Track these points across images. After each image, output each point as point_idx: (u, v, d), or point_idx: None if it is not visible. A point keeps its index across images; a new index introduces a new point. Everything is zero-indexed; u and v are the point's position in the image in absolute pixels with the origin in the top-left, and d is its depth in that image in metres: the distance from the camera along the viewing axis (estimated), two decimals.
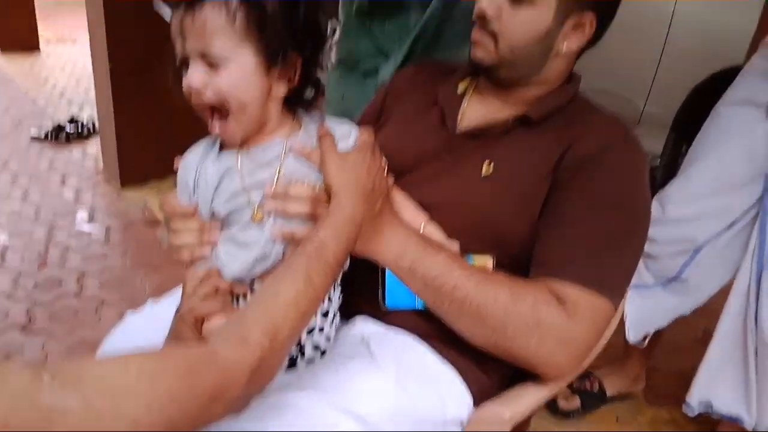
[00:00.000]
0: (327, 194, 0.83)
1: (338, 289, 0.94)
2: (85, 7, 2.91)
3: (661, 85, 2.93)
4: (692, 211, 1.58)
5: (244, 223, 0.84)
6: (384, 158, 0.91)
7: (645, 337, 1.72)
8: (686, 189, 1.61)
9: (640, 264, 1.68)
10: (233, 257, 0.85)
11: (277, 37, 0.78)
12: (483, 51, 0.97)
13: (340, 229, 0.79)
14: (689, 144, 3.17)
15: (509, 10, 0.94)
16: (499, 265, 0.92)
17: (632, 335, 1.69)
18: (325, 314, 0.91)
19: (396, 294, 0.92)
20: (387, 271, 0.91)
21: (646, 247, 1.63)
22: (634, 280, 1.66)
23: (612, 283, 0.88)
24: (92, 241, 2.54)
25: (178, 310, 0.86)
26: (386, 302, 0.92)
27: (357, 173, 0.83)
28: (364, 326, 0.95)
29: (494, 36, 0.95)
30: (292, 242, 0.83)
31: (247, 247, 0.84)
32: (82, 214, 2.74)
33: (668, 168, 3.11)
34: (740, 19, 2.72)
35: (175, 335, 0.84)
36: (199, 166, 0.86)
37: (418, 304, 0.91)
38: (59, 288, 2.22)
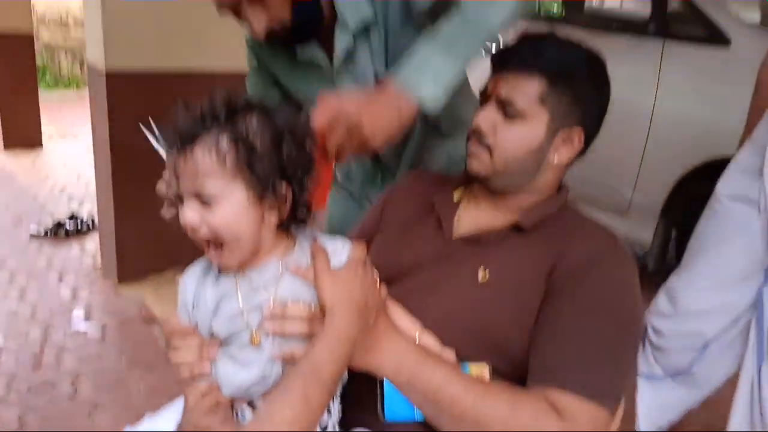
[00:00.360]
0: (321, 311, 0.85)
1: (337, 401, 0.94)
2: (86, 103, 3.03)
3: (647, 174, 3.02)
4: (700, 306, 1.59)
5: (242, 343, 0.86)
6: (376, 271, 0.94)
7: None
8: (693, 284, 1.62)
9: (650, 355, 1.69)
10: (232, 376, 0.86)
11: (267, 171, 0.81)
12: (479, 163, 1.03)
13: (335, 347, 0.80)
14: (678, 230, 3.25)
15: (503, 125, 1.01)
16: (497, 373, 0.93)
17: (643, 425, 1.67)
18: (324, 428, 0.91)
19: (395, 406, 0.92)
20: (385, 383, 0.91)
21: (656, 340, 1.65)
22: (644, 370, 1.67)
23: (608, 390, 0.89)
24: (88, 340, 2.52)
25: (179, 425, 0.87)
26: (385, 415, 0.92)
27: (350, 290, 0.85)
28: None
29: (489, 149, 1.02)
30: (290, 362, 0.84)
31: (246, 367, 0.85)
32: (78, 313, 2.73)
33: (659, 255, 3.16)
34: (721, 111, 2.86)
35: None
36: (197, 287, 0.89)
37: (417, 416, 0.92)
38: (53, 391, 2.19)
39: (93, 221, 3.63)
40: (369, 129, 0.95)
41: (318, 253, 0.88)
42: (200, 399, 0.86)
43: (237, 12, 1.17)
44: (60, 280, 3.04)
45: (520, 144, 1.01)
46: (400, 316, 0.97)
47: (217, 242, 0.83)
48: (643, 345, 1.72)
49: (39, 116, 5.43)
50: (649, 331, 1.69)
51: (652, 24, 3.02)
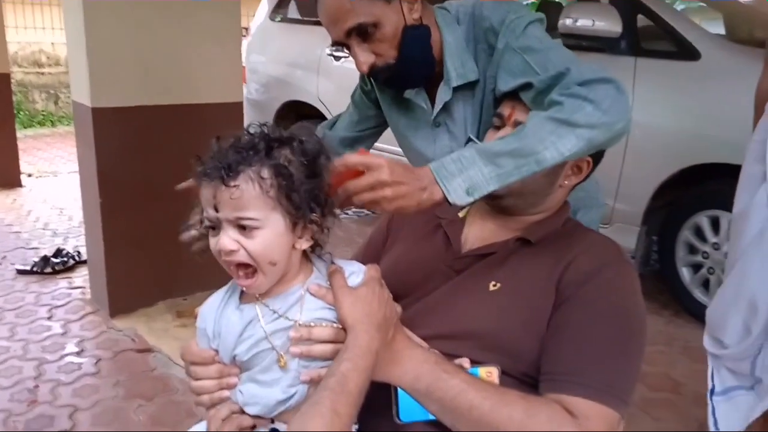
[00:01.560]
0: (343, 329, 0.88)
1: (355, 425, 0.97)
2: (62, 139, 3.04)
3: (627, 184, 3.11)
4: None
5: (265, 366, 0.89)
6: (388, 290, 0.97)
7: None
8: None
9: (720, 370, 1.66)
10: (256, 397, 0.90)
11: (302, 200, 0.86)
12: None
13: (359, 360, 0.84)
14: (658, 237, 3.32)
15: None
16: (510, 380, 0.96)
17: None
18: None
19: (409, 407, 0.94)
20: (398, 389, 0.94)
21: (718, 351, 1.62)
22: (720, 387, 1.64)
23: (618, 391, 0.92)
24: (83, 374, 2.50)
25: None
26: (400, 416, 0.95)
27: (368, 306, 0.89)
28: None
29: None
30: (316, 384, 0.87)
31: (270, 387, 0.89)
32: (71, 347, 2.71)
33: (643, 260, 3.24)
34: (694, 122, 2.97)
35: None
36: (217, 317, 0.92)
37: (432, 415, 0.94)
38: (51, 425, 2.17)
39: (79, 255, 3.61)
40: (391, 195, 0.96)
41: (334, 274, 0.92)
42: (222, 425, 0.89)
43: (348, 46, 1.27)
44: (50, 315, 3.01)
45: None
46: (411, 335, 1.00)
47: (250, 267, 0.86)
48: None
49: (17, 156, 5.39)
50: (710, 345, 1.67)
51: (623, 41, 3.14)
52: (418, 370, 0.92)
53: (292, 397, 0.89)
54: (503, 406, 0.89)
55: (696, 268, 3.11)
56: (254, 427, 0.91)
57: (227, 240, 0.84)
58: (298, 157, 0.87)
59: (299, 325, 0.88)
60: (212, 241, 0.87)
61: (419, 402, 0.93)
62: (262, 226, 0.84)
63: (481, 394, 0.90)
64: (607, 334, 0.95)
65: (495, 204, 1.11)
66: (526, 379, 0.97)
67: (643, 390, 2.48)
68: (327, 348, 0.88)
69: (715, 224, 2.98)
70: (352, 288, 0.91)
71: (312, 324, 0.89)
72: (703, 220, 3.02)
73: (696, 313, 2.95)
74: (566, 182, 1.11)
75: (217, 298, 0.95)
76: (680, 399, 2.42)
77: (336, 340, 0.88)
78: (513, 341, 0.98)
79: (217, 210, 0.84)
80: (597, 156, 1.12)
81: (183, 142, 2.86)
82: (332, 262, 0.96)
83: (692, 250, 3.10)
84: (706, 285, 3.05)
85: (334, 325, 0.89)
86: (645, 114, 3.04)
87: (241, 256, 0.85)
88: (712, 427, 1.64)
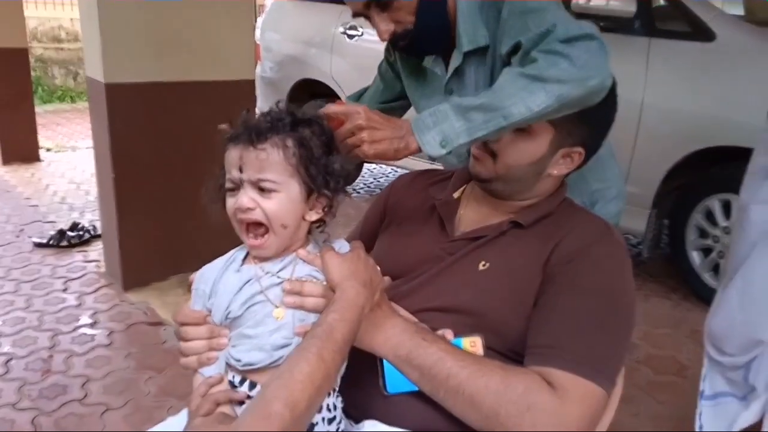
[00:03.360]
0: (331, 289, 0.91)
1: (338, 397, 0.99)
2: (80, 115, 3.09)
3: (638, 167, 3.08)
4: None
5: (258, 319, 0.92)
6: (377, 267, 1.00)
7: None
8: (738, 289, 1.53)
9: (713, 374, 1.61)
10: (249, 349, 0.92)
11: (319, 175, 0.93)
12: (481, 166, 1.10)
13: (345, 312, 0.88)
14: (669, 219, 3.29)
15: (510, 135, 1.07)
16: (497, 356, 0.98)
17: None
18: (331, 421, 0.95)
19: (395, 379, 0.96)
20: (384, 361, 0.96)
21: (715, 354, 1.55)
22: (710, 392, 1.57)
23: (602, 368, 0.93)
24: (96, 345, 2.57)
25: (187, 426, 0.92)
26: (387, 388, 0.97)
27: (354, 266, 0.93)
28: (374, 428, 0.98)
29: (493, 154, 1.08)
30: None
31: (262, 340, 0.92)
32: (84, 319, 2.78)
33: (653, 243, 3.23)
34: (707, 104, 2.93)
35: None
36: (217, 277, 0.96)
37: (417, 387, 0.96)
38: (64, 395, 2.23)
39: (94, 228, 3.67)
40: (367, 138, 1.03)
41: (325, 247, 0.97)
42: (201, 402, 0.91)
43: (368, 17, 1.31)
44: (65, 287, 3.08)
45: (522, 156, 1.07)
46: (396, 307, 1.01)
47: (262, 228, 0.92)
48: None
49: (36, 130, 5.47)
50: (714, 354, 1.60)
51: (637, 21, 3.09)
52: (400, 337, 0.94)
53: (289, 345, 0.90)
54: (480, 376, 0.91)
55: (706, 252, 3.09)
56: (230, 398, 0.92)
57: (246, 198, 0.91)
58: (319, 136, 0.95)
59: (292, 279, 0.93)
60: (230, 202, 0.93)
61: (400, 370, 0.95)
62: (280, 189, 0.91)
63: (459, 363, 0.92)
64: (593, 311, 0.96)
65: (485, 188, 1.12)
66: (512, 355, 0.99)
67: (648, 372, 2.49)
68: (319, 302, 0.91)
69: (727, 208, 2.96)
70: (339, 253, 0.96)
71: (304, 279, 0.94)
72: (714, 203, 2.99)
73: (705, 298, 2.93)
74: (555, 171, 1.10)
75: (218, 262, 0.99)
76: (685, 382, 2.43)
77: (326, 296, 0.91)
78: (500, 319, 1.00)
79: (241, 171, 0.91)
80: (590, 148, 1.11)
81: (195, 119, 2.90)
82: (325, 240, 1.00)
83: (703, 233, 3.08)
84: (715, 269, 3.03)
85: (324, 283, 0.93)
86: (658, 96, 3.02)
87: (257, 215, 0.91)
88: (697, 430, 1.61)
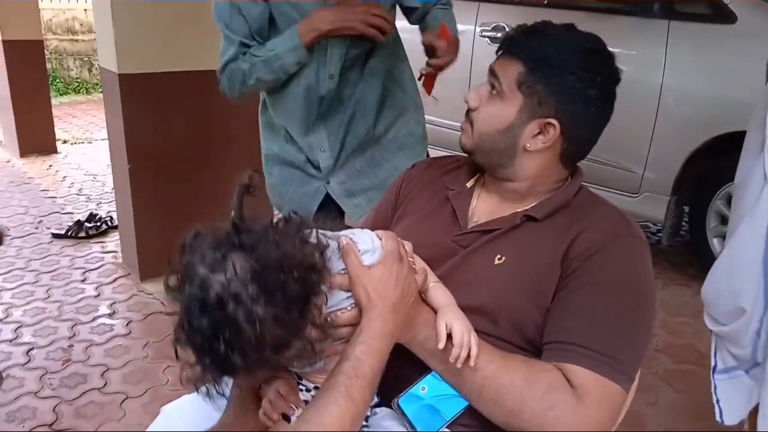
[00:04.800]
0: (358, 309, 0.88)
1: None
2: (96, 106, 3.10)
3: (657, 152, 3.04)
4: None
5: None
6: (409, 245, 0.96)
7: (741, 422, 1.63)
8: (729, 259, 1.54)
9: (722, 349, 1.61)
10: None
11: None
12: (465, 136, 1.10)
13: (373, 342, 0.84)
14: (689, 206, 3.25)
15: (485, 101, 1.06)
16: (515, 350, 0.97)
17: (727, 419, 1.61)
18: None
19: (424, 423, 0.94)
20: (401, 405, 0.94)
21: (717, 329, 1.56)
22: (722, 365, 1.59)
23: (622, 366, 0.92)
24: (114, 335, 2.59)
25: (234, 380, 0.91)
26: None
27: (384, 287, 0.87)
28: (390, 420, 0.98)
29: (472, 123, 1.08)
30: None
31: None
32: (103, 309, 2.81)
33: (672, 231, 3.18)
34: (727, 88, 2.88)
35: (234, 404, 0.90)
36: None
37: (446, 417, 0.94)
38: (84, 384, 2.26)
39: (111, 219, 3.70)
40: None
41: (348, 255, 0.88)
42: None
43: None
44: (84, 278, 3.11)
45: (491, 120, 1.05)
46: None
47: None
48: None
49: (53, 122, 5.50)
50: (709, 323, 1.62)
51: (656, 4, 3.03)
52: (429, 333, 0.93)
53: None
54: (505, 372, 0.91)
55: None
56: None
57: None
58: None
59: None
60: None
61: (428, 363, 0.94)
62: None
63: (486, 357, 0.91)
64: (613, 307, 0.94)
65: (474, 161, 1.13)
66: (530, 348, 0.98)
67: (666, 361, 2.47)
68: (351, 331, 0.88)
69: None
70: (367, 268, 0.88)
71: (334, 310, 0.88)
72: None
73: None
74: (530, 146, 1.04)
75: None
76: (704, 371, 2.38)
77: (357, 322, 0.88)
78: (517, 314, 0.98)
79: None
80: (567, 123, 1.02)
81: (210, 109, 2.91)
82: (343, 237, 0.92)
83: (724, 220, 3.03)
84: None
85: (352, 308, 0.89)
86: (678, 79, 2.96)
87: None
88: (715, 405, 1.61)
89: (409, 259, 0.95)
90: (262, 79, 1.61)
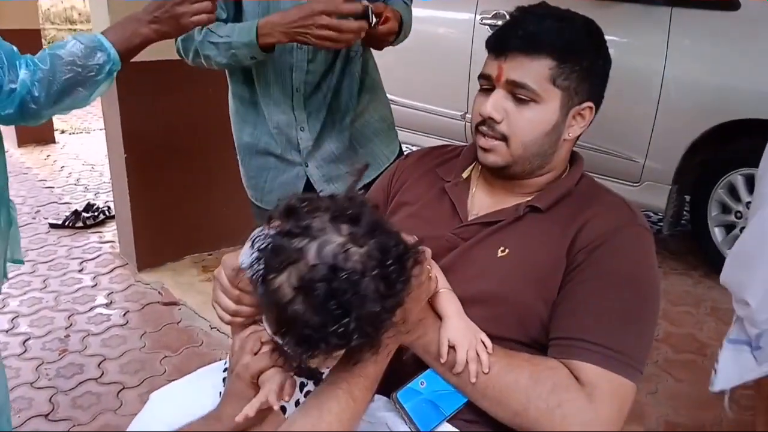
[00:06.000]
0: None
1: None
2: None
3: (659, 141, 3.01)
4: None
5: None
6: (429, 252, 0.91)
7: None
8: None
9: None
10: None
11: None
12: (495, 155, 1.02)
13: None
14: (691, 195, 3.23)
15: (516, 111, 0.99)
16: (519, 347, 0.95)
17: (718, 386, 1.61)
18: None
19: (423, 417, 0.92)
20: (400, 400, 0.92)
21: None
22: (734, 336, 1.56)
23: (629, 359, 0.90)
24: (111, 325, 2.58)
25: (231, 370, 0.90)
26: (421, 430, 0.92)
27: None
28: (386, 410, 0.96)
29: (505, 138, 1.00)
30: None
31: None
32: (100, 299, 2.79)
33: (674, 220, 3.17)
34: (730, 75, 2.85)
35: (230, 394, 0.88)
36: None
37: (446, 412, 0.92)
38: (81, 374, 2.24)
39: (109, 209, 3.68)
40: None
41: None
42: (245, 339, 0.89)
43: None
44: (81, 268, 3.09)
45: (536, 127, 0.99)
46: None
47: None
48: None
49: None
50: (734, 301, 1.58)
51: None
52: (433, 337, 0.91)
53: None
54: (509, 371, 0.89)
55: (729, 228, 3.02)
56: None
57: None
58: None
59: None
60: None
61: (431, 366, 0.92)
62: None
63: (490, 357, 0.89)
64: (619, 301, 0.92)
65: (502, 175, 1.05)
66: (536, 346, 0.95)
67: (667, 351, 2.45)
68: None
69: (751, 183, 2.87)
70: None
71: None
72: (737, 178, 2.92)
73: None
74: (570, 134, 1.03)
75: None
76: (705, 360, 2.38)
77: None
78: (522, 307, 0.96)
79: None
80: (597, 100, 1.04)
81: (205, 97, 2.87)
82: None
83: (725, 209, 3.01)
84: None
85: None
86: (680, 67, 2.93)
87: None
88: (713, 372, 1.61)
89: (427, 266, 0.91)
90: (214, 59, 1.55)
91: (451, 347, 0.89)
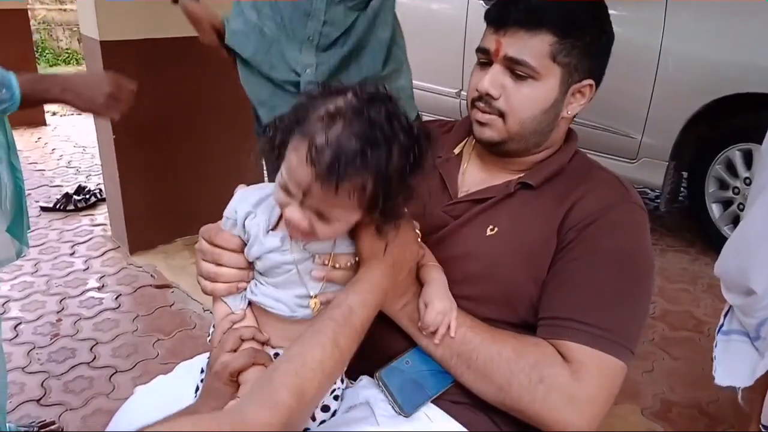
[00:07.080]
0: (359, 262, 0.86)
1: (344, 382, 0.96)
2: None
3: (655, 117, 2.98)
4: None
5: (280, 281, 0.87)
6: (416, 224, 0.92)
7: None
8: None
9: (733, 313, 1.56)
10: (270, 298, 0.88)
11: (393, 205, 0.81)
12: (491, 130, 0.99)
13: (368, 295, 0.82)
14: (688, 171, 3.20)
15: (514, 86, 0.96)
16: (508, 327, 0.93)
17: (718, 379, 1.56)
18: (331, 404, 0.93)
19: (407, 397, 0.91)
20: (384, 379, 0.91)
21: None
22: (726, 327, 1.54)
23: (619, 338, 0.88)
24: (103, 308, 2.55)
25: (210, 366, 0.88)
26: (405, 410, 0.90)
27: (389, 244, 0.85)
28: (369, 389, 0.95)
29: (501, 114, 0.97)
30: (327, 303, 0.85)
31: (283, 295, 0.88)
32: (92, 283, 2.76)
33: (671, 197, 3.14)
34: (727, 51, 2.80)
35: (208, 392, 0.86)
36: (249, 221, 0.88)
37: (430, 392, 0.91)
38: (73, 358, 2.22)
39: (101, 192, 3.64)
40: None
41: None
42: (224, 337, 0.87)
43: None
44: (72, 251, 3.06)
45: (534, 104, 0.96)
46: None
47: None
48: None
49: None
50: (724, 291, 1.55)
51: None
52: (416, 304, 0.90)
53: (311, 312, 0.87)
54: (492, 343, 0.87)
55: (726, 204, 3.00)
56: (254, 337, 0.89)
57: (299, 216, 0.79)
58: (402, 159, 0.78)
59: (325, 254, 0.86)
60: (288, 210, 0.80)
61: (414, 338, 0.91)
62: (339, 220, 0.81)
63: (474, 330, 0.88)
64: (610, 279, 0.90)
65: (497, 151, 1.02)
66: (525, 326, 0.93)
67: (663, 329, 2.44)
68: (348, 275, 0.86)
69: (748, 158, 2.85)
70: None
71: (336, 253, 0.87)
72: (735, 154, 2.89)
73: None
74: (569, 112, 1.00)
75: (253, 198, 0.89)
76: (702, 338, 2.38)
77: (355, 271, 0.86)
78: (511, 286, 0.94)
79: (302, 203, 0.78)
80: (598, 78, 1.01)
81: (194, 76, 2.83)
82: None
83: (723, 185, 2.99)
84: (735, 222, 2.94)
85: (356, 258, 0.88)
86: (676, 41, 2.89)
87: (307, 229, 0.80)
88: (714, 363, 1.57)
89: (417, 231, 0.92)
90: None
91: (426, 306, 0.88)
